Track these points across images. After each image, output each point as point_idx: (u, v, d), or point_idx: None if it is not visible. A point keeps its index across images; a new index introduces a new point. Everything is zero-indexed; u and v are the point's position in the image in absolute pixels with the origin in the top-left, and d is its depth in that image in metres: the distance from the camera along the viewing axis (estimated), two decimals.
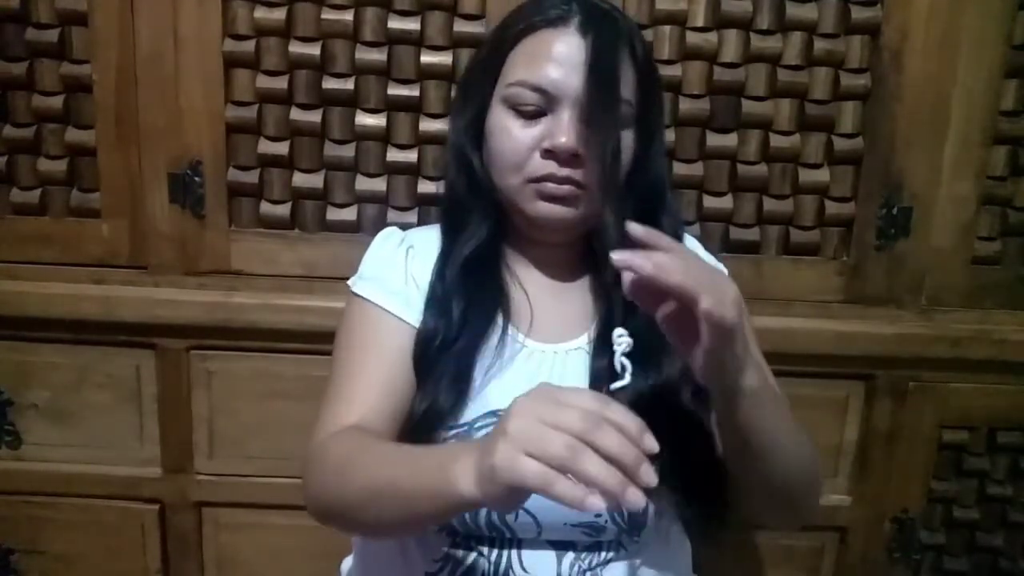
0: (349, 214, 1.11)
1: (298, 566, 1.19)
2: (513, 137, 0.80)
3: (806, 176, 1.10)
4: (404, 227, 1.10)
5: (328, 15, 1.04)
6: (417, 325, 0.83)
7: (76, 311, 1.11)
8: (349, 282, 0.88)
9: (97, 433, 1.17)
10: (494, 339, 0.83)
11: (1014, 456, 1.19)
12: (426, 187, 1.10)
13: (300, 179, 1.10)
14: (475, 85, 0.85)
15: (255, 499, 1.17)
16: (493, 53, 0.83)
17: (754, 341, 0.82)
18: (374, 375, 0.81)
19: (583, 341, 0.85)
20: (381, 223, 1.10)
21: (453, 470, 0.60)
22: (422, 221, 1.10)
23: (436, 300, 0.83)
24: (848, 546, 1.21)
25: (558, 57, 0.77)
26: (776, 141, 1.09)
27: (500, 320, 0.84)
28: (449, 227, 0.88)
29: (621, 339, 0.78)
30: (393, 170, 1.10)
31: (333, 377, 0.83)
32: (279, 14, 1.04)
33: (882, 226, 1.10)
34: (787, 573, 1.23)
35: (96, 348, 1.14)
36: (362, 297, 0.85)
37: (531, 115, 0.79)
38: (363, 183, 1.10)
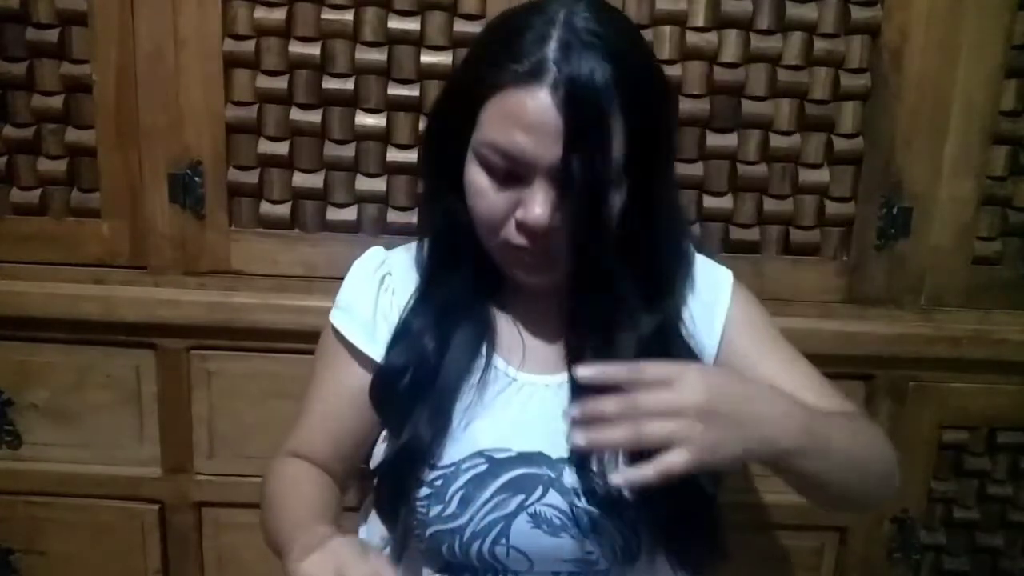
0: (349, 214, 1.11)
1: None
2: (488, 200, 0.73)
3: (806, 176, 1.10)
4: (403, 228, 1.11)
5: (328, 15, 1.04)
6: (380, 359, 0.82)
7: (76, 311, 1.11)
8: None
9: (97, 433, 1.17)
10: (476, 376, 0.80)
11: (1014, 456, 1.19)
12: None
13: (300, 179, 1.10)
14: (448, 128, 0.76)
15: (255, 499, 1.16)
16: (466, 97, 0.74)
17: (781, 359, 0.86)
18: (325, 410, 0.85)
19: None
20: (381, 223, 1.11)
21: (290, 557, 0.64)
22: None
23: (406, 336, 0.80)
24: (848, 546, 1.21)
25: (529, 124, 0.68)
26: (776, 141, 1.09)
27: (484, 355, 0.80)
28: (430, 261, 0.83)
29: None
30: (393, 170, 1.10)
31: (305, 395, 0.87)
32: (279, 14, 1.04)
33: (882, 226, 1.10)
34: (787, 573, 1.23)
35: (96, 348, 1.14)
36: (332, 325, 0.85)
37: (505, 179, 0.72)
38: (363, 183, 1.10)
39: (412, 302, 0.82)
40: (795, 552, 1.22)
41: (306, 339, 1.09)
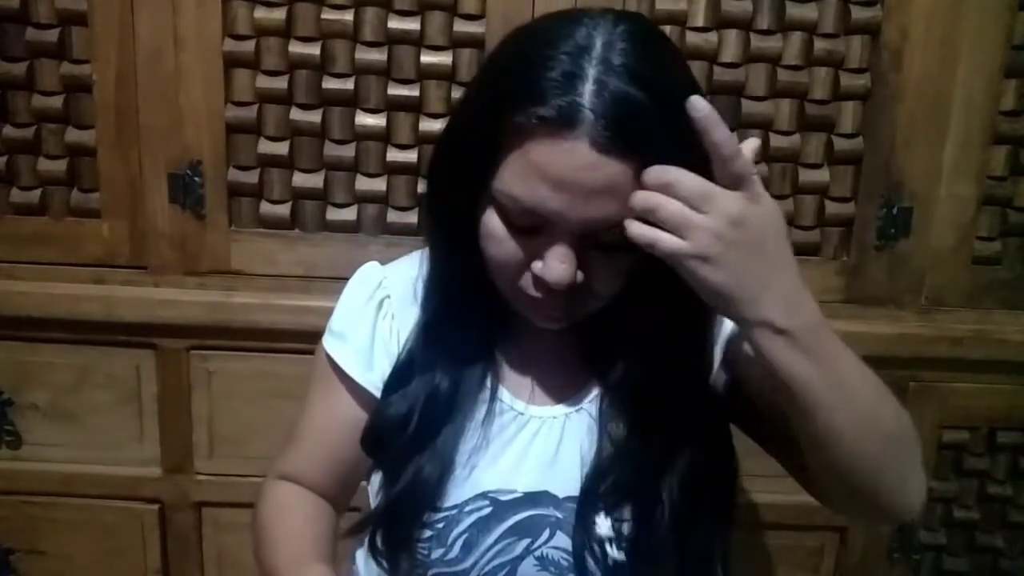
0: (349, 214, 1.11)
1: None
2: (504, 248, 0.66)
3: (806, 176, 1.10)
4: (403, 228, 1.11)
5: (328, 15, 1.04)
6: (377, 390, 0.76)
7: (76, 311, 1.11)
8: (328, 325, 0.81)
9: (97, 433, 1.17)
10: (481, 412, 0.74)
11: (1014, 456, 1.19)
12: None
13: (300, 179, 1.10)
14: (462, 165, 0.67)
15: (255, 499, 1.17)
16: (484, 138, 0.63)
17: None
18: (318, 437, 0.81)
19: (594, 394, 0.76)
20: (381, 223, 1.11)
21: None
22: (422, 222, 1.10)
23: (407, 381, 0.74)
24: (848, 546, 1.21)
25: (559, 181, 0.59)
26: (776, 141, 1.09)
27: (488, 393, 0.75)
28: (433, 293, 0.76)
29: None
30: (393, 170, 1.10)
31: (300, 413, 0.83)
32: (279, 14, 1.04)
33: (882, 226, 1.10)
34: (787, 573, 1.23)
35: (96, 348, 1.14)
36: (325, 351, 0.79)
37: (524, 229, 0.64)
38: (363, 183, 1.10)
39: (412, 339, 0.76)
40: (795, 552, 1.22)
41: (306, 339, 1.09)
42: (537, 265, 0.64)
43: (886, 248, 1.11)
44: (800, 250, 1.13)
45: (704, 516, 0.73)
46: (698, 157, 0.58)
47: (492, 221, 0.66)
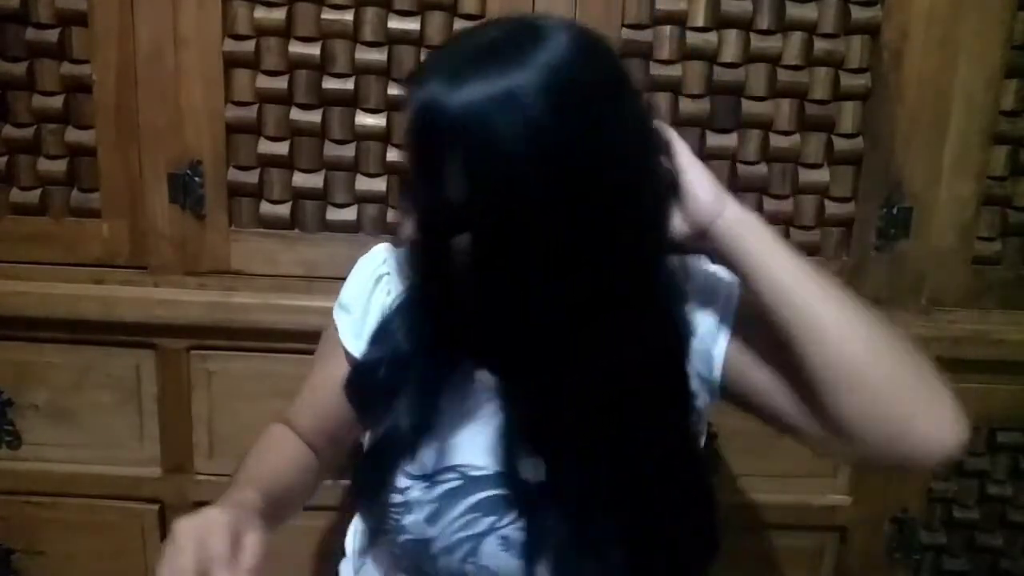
0: (349, 214, 1.11)
1: (297, 566, 1.19)
2: None
3: (806, 176, 1.10)
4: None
5: (328, 15, 1.04)
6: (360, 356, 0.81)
7: (76, 311, 1.11)
8: None
9: (97, 433, 1.17)
10: (458, 384, 0.77)
11: (1014, 456, 1.19)
12: None
13: (300, 179, 1.10)
14: None
15: None
16: None
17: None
18: (315, 397, 0.87)
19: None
20: (381, 223, 1.11)
21: None
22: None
23: (384, 332, 0.79)
24: (848, 546, 1.21)
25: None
26: (776, 141, 1.09)
27: (468, 366, 0.77)
28: (407, 264, 0.78)
29: None
30: (393, 170, 1.10)
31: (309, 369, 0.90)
32: (279, 14, 1.04)
33: (882, 226, 1.10)
34: (787, 573, 1.23)
35: (96, 348, 1.14)
36: (334, 320, 0.86)
37: None
38: (363, 183, 1.10)
39: (395, 302, 0.81)
40: (795, 552, 1.22)
41: (306, 339, 1.09)
42: None
43: (886, 248, 1.11)
44: (800, 250, 1.12)
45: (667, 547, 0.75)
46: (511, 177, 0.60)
47: None
